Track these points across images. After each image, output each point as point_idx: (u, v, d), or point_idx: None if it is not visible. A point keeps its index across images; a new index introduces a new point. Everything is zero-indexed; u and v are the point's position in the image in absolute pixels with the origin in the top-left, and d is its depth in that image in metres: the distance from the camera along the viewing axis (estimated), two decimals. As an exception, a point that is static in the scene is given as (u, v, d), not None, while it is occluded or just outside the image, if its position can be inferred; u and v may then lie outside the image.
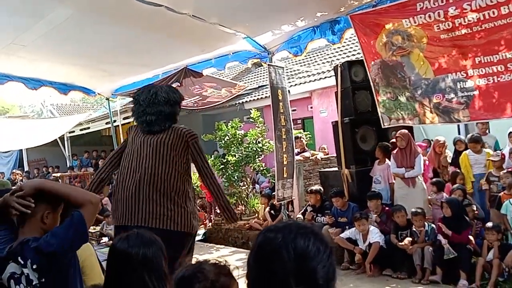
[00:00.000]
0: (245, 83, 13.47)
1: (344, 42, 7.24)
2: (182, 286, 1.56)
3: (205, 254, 6.41)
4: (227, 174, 8.29)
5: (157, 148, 3.20)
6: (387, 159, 5.95)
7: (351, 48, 11.07)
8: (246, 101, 12.31)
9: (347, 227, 5.73)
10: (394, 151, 5.82)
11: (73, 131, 14.53)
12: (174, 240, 2.95)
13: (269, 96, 6.10)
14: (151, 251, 1.79)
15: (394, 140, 5.90)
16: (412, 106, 5.01)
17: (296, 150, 7.30)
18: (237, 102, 12.35)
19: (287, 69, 7.01)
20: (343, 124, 6.16)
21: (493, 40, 4.27)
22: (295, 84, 11.48)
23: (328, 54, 12.82)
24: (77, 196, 1.90)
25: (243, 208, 8.37)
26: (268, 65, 5.98)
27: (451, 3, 4.35)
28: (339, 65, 6.43)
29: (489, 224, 4.77)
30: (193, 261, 1.72)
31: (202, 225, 8.26)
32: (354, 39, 5.38)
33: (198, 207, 3.27)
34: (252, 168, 8.51)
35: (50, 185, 1.93)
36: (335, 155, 6.80)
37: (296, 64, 12.62)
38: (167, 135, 3.23)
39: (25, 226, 1.87)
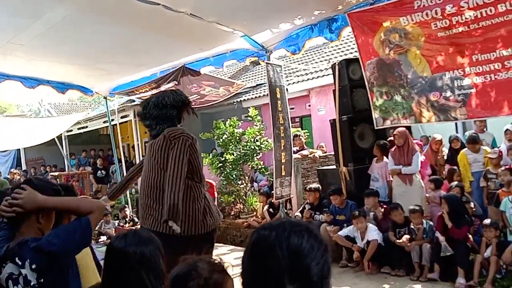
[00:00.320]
0: (243, 81, 13.46)
1: (342, 40, 7.26)
2: (176, 284, 1.58)
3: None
4: (225, 172, 8.30)
5: (151, 154, 3.27)
6: (385, 157, 5.96)
7: (349, 46, 11.08)
8: (244, 100, 12.30)
9: (345, 225, 5.75)
10: (392, 149, 5.84)
11: (71, 130, 14.51)
12: (173, 243, 2.90)
13: (267, 94, 6.10)
14: (149, 250, 1.80)
15: (392, 138, 5.91)
16: (409, 105, 5.01)
17: (295, 148, 7.32)
18: (235, 101, 12.35)
19: (285, 68, 7.01)
20: (341, 122, 6.17)
21: (490, 38, 4.28)
22: (293, 83, 11.48)
23: (326, 52, 12.84)
24: (82, 207, 1.93)
25: (242, 207, 8.38)
26: (266, 63, 5.98)
27: (448, 1, 4.36)
28: (337, 63, 6.44)
29: (487, 221, 4.78)
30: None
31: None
32: (352, 37, 5.38)
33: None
34: (250, 166, 8.52)
35: (52, 203, 1.92)
36: (333, 153, 6.81)
37: (294, 62, 12.63)
38: (159, 139, 3.24)
39: (22, 227, 1.87)
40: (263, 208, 7.53)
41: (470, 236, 4.89)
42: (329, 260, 1.05)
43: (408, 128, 5.95)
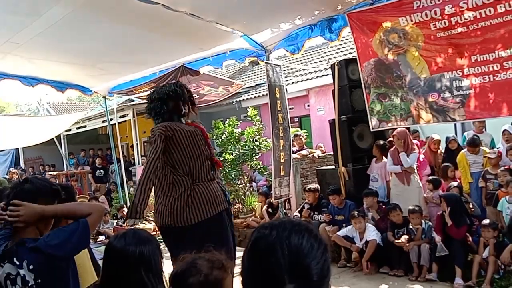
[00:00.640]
0: (242, 81, 13.47)
1: (341, 41, 7.26)
2: (176, 281, 1.59)
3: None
4: (224, 172, 8.29)
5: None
6: (384, 157, 5.97)
7: (348, 46, 11.07)
8: (243, 99, 12.30)
9: (344, 225, 5.75)
10: (391, 149, 5.84)
11: (70, 130, 14.51)
12: (173, 234, 3.30)
13: (266, 94, 6.10)
14: (148, 249, 1.80)
15: (391, 138, 5.92)
16: (406, 107, 5.01)
17: (294, 148, 7.32)
18: (234, 100, 12.34)
19: (284, 67, 7.01)
20: (340, 122, 6.17)
21: (489, 39, 4.28)
22: (292, 83, 11.48)
23: (325, 52, 12.84)
24: (80, 211, 1.94)
25: (240, 206, 8.38)
26: (266, 63, 5.98)
27: (447, 2, 4.37)
28: (336, 63, 6.44)
29: (485, 221, 4.79)
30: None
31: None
32: (351, 37, 5.37)
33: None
34: (249, 166, 8.51)
35: (51, 211, 1.92)
36: (332, 153, 6.81)
37: (293, 62, 12.63)
38: None
39: (20, 228, 1.86)
40: (262, 208, 7.53)
41: (468, 236, 4.90)
42: (328, 260, 1.05)
43: (408, 128, 5.95)
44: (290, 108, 6.62)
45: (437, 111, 4.79)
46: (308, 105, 11.47)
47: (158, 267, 1.82)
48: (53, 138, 13.35)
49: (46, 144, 13.72)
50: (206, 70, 7.30)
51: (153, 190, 3.28)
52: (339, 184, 6.14)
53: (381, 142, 6.07)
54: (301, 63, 12.85)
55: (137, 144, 12.05)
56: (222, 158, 8.32)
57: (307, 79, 11.29)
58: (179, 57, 6.67)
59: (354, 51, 5.41)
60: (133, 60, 6.61)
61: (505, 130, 6.14)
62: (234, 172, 8.27)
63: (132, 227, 2.10)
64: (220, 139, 8.39)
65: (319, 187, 6.48)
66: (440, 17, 4.46)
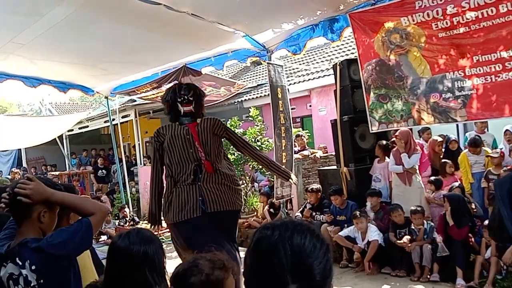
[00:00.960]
0: (244, 81, 13.47)
1: (343, 41, 7.26)
2: (178, 280, 1.59)
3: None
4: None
5: None
6: (387, 157, 5.96)
7: (350, 46, 11.07)
8: (245, 100, 12.30)
9: (346, 225, 5.75)
10: (394, 149, 5.83)
11: (72, 130, 14.53)
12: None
13: (268, 94, 6.11)
14: (152, 248, 1.81)
15: (394, 138, 5.91)
16: (407, 107, 4.99)
17: (296, 148, 7.31)
18: (236, 101, 12.35)
19: (286, 68, 7.01)
20: (342, 123, 6.17)
21: (491, 39, 4.26)
22: (294, 83, 11.48)
23: (327, 53, 12.83)
24: (86, 207, 1.92)
25: (242, 207, 8.37)
26: (268, 63, 5.98)
27: (449, 1, 4.36)
28: (338, 64, 6.44)
29: (486, 221, 4.78)
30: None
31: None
32: (353, 37, 5.37)
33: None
34: (251, 166, 8.51)
35: (58, 197, 1.91)
36: (334, 153, 6.81)
37: (295, 62, 12.63)
38: None
39: (23, 226, 1.86)
40: (263, 208, 7.53)
41: (471, 237, 4.89)
42: (331, 260, 1.06)
43: (410, 128, 5.95)
44: (292, 108, 6.61)
45: (438, 112, 4.78)
46: (310, 105, 11.47)
47: (162, 267, 1.82)
48: (55, 138, 13.37)
49: (48, 144, 13.74)
50: (207, 70, 7.29)
51: None
52: (341, 184, 6.14)
53: (384, 142, 6.06)
54: (303, 63, 12.84)
55: (139, 144, 12.05)
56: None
57: (309, 79, 11.29)
58: (181, 57, 6.67)
59: (356, 52, 5.40)
60: (135, 60, 6.62)
61: (507, 130, 6.13)
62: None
63: (135, 227, 2.10)
64: (222, 139, 8.38)
65: (320, 187, 6.48)
66: (442, 17, 4.45)
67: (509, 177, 3.73)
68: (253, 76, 14.96)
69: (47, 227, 1.92)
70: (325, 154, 8.10)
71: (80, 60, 6.36)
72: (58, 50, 5.80)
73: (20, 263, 1.76)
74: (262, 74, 13.92)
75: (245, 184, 8.55)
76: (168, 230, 8.46)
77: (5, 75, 6.62)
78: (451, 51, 4.59)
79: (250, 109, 8.77)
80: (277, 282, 0.99)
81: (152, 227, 3.73)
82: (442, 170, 6.00)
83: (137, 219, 8.97)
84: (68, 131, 14.53)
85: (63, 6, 4.42)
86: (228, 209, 3.52)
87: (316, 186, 6.51)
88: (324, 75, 10.71)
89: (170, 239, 8.08)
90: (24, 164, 16.92)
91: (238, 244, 3.76)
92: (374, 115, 5.27)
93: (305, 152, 7.79)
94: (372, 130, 5.40)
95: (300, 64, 12.62)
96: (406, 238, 5.08)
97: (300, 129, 9.55)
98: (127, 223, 8.68)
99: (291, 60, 12.36)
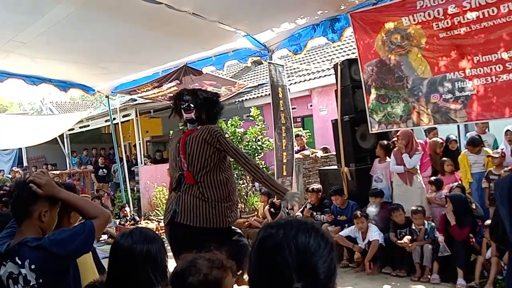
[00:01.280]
0: (244, 81, 13.46)
1: (344, 41, 7.24)
2: (176, 280, 1.60)
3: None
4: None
5: None
6: (388, 157, 5.96)
7: (351, 46, 11.06)
8: (246, 99, 12.30)
9: (346, 225, 5.75)
10: (395, 149, 5.83)
11: (73, 129, 14.53)
12: None
13: (268, 94, 6.11)
14: (154, 247, 1.81)
15: (395, 138, 5.91)
16: (407, 108, 4.98)
17: (295, 148, 7.31)
18: (237, 100, 12.34)
19: (286, 67, 7.00)
20: (342, 123, 6.17)
21: (492, 39, 4.25)
22: (295, 82, 11.48)
23: (328, 52, 12.84)
24: (90, 209, 1.94)
25: (243, 206, 8.37)
26: (268, 63, 5.98)
27: (450, 1, 4.35)
28: (339, 63, 6.44)
29: (488, 222, 4.78)
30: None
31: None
32: (354, 37, 5.37)
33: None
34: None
35: (65, 195, 1.94)
36: (334, 153, 6.80)
37: (296, 62, 12.62)
38: None
39: (23, 225, 1.87)
40: (264, 208, 7.53)
41: (472, 237, 4.88)
42: (335, 259, 1.06)
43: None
44: (292, 108, 6.61)
45: (438, 112, 4.76)
46: (311, 105, 11.47)
47: (164, 266, 1.83)
48: (56, 137, 13.37)
49: (49, 143, 13.75)
50: (208, 70, 7.29)
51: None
52: (341, 184, 6.14)
53: (385, 142, 6.06)
54: (304, 63, 12.84)
55: (140, 143, 12.05)
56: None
57: (310, 79, 11.29)
58: (181, 56, 6.67)
59: (356, 51, 5.40)
60: (136, 60, 6.62)
61: (507, 130, 6.13)
62: (236, 172, 8.27)
63: (137, 226, 2.10)
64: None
65: (321, 187, 6.48)
66: (443, 17, 4.45)
67: (509, 177, 3.72)
68: (254, 75, 14.96)
69: (47, 226, 1.92)
70: (325, 154, 8.09)
71: (81, 59, 6.36)
72: (59, 49, 5.80)
73: (20, 262, 1.76)
74: (263, 73, 13.92)
75: (246, 184, 8.56)
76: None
77: (6, 74, 6.63)
78: (451, 52, 4.58)
79: (250, 108, 8.77)
80: (281, 280, 0.99)
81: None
82: (441, 169, 6.02)
83: (137, 218, 8.97)
84: (69, 130, 14.53)
85: (64, 4, 4.43)
86: (196, 225, 3.35)
87: (317, 186, 6.51)
88: (325, 75, 10.71)
89: (171, 238, 8.05)
90: (25, 163, 16.93)
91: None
92: (374, 116, 5.26)
93: (306, 152, 7.78)
94: (371, 131, 5.40)
95: (301, 63, 12.61)
96: (406, 238, 5.08)
97: (301, 128, 9.54)
98: (128, 222, 8.68)
99: (292, 60, 12.35)
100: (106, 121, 12.71)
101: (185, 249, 3.08)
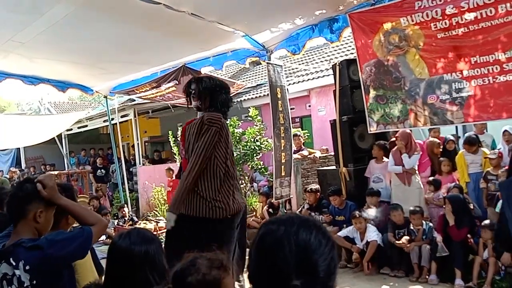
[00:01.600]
0: (243, 81, 13.46)
1: (343, 41, 7.25)
2: (176, 279, 1.60)
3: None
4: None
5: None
6: (384, 157, 5.96)
7: (350, 46, 11.07)
8: (245, 99, 12.31)
9: (344, 225, 5.75)
10: (393, 149, 5.83)
11: (71, 129, 14.51)
12: None
13: (267, 94, 6.11)
14: (152, 248, 1.81)
15: (393, 138, 5.91)
16: (404, 109, 4.98)
17: (293, 148, 7.31)
18: (236, 100, 12.32)
19: (285, 68, 7.01)
20: (341, 123, 6.17)
21: (489, 40, 4.26)
22: (293, 83, 11.48)
23: (326, 53, 12.84)
24: (88, 217, 1.97)
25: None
26: (267, 63, 5.98)
27: (448, 2, 4.36)
28: (337, 64, 6.44)
29: (484, 222, 4.79)
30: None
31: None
32: (353, 38, 5.37)
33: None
34: (250, 166, 8.52)
35: (64, 202, 1.95)
36: (333, 153, 6.81)
37: (294, 62, 12.63)
38: None
39: (18, 226, 1.86)
40: (262, 208, 7.53)
41: (470, 237, 4.89)
42: (336, 257, 1.05)
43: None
44: (291, 109, 6.61)
45: (435, 113, 4.77)
46: (309, 106, 11.47)
47: (162, 266, 1.83)
48: (54, 138, 13.35)
49: (47, 143, 13.74)
50: (207, 70, 7.29)
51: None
52: (340, 184, 6.14)
53: (382, 142, 6.07)
54: (302, 63, 12.85)
55: (138, 144, 12.04)
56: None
57: (308, 80, 11.29)
58: (180, 57, 6.67)
59: (355, 52, 5.40)
60: (134, 60, 6.61)
61: (505, 130, 6.14)
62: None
63: (134, 227, 2.11)
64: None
65: (319, 187, 6.48)
66: (441, 17, 4.45)
67: None
68: (253, 76, 14.97)
69: (43, 227, 1.92)
70: (324, 154, 8.10)
71: (80, 59, 6.35)
72: (58, 48, 5.80)
73: (14, 264, 1.75)
74: (262, 74, 13.92)
75: (244, 184, 8.56)
76: (166, 230, 8.48)
77: (4, 74, 6.61)
78: (449, 53, 4.59)
79: (249, 109, 8.77)
80: (281, 277, 0.99)
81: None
82: (438, 169, 6.03)
83: (135, 219, 8.96)
84: (67, 130, 14.52)
85: (63, 4, 4.42)
86: (186, 214, 3.25)
87: (315, 186, 6.51)
88: (324, 75, 10.72)
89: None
90: (23, 163, 16.91)
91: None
92: (373, 116, 5.27)
93: (304, 152, 7.79)
94: (370, 130, 5.41)
95: (299, 64, 12.62)
96: (405, 239, 5.08)
97: (299, 129, 9.55)
98: (126, 223, 8.67)
99: (291, 60, 12.36)
100: (104, 121, 12.70)
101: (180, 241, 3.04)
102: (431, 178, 5.84)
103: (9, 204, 1.91)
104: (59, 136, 14.23)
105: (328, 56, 12.44)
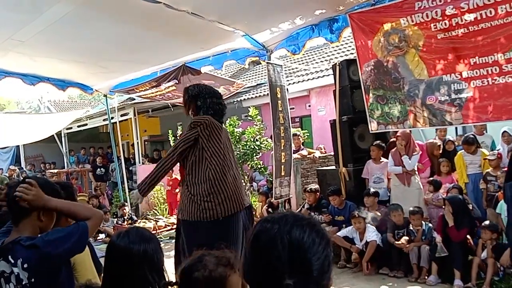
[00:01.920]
0: (243, 81, 13.47)
1: (343, 41, 7.26)
2: (184, 275, 1.62)
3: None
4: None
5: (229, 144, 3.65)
6: (382, 158, 5.97)
7: (350, 46, 11.07)
8: (244, 99, 12.30)
9: (344, 225, 5.75)
10: (393, 149, 5.83)
11: (71, 128, 14.52)
12: None
13: (267, 94, 6.11)
14: (151, 247, 1.81)
15: (393, 139, 5.91)
16: (404, 109, 4.98)
17: (292, 148, 7.31)
18: (235, 100, 12.35)
19: (285, 67, 7.01)
20: (341, 123, 6.18)
21: (489, 41, 4.25)
22: (293, 83, 11.48)
23: (326, 53, 12.84)
24: (82, 212, 1.94)
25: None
26: (267, 63, 5.98)
27: (448, 2, 4.35)
28: (337, 64, 6.44)
29: (484, 223, 4.79)
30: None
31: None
32: (352, 38, 5.37)
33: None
34: (249, 166, 8.51)
35: (55, 203, 1.92)
36: (332, 153, 6.81)
37: (294, 62, 12.62)
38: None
39: (20, 225, 1.86)
40: (262, 208, 7.53)
41: (469, 238, 4.89)
42: (330, 255, 1.04)
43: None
44: (291, 108, 6.62)
45: (434, 114, 4.76)
46: (309, 105, 11.47)
47: (161, 265, 1.83)
48: (53, 136, 13.35)
49: (47, 141, 13.74)
50: (207, 70, 7.29)
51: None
52: (339, 184, 6.14)
53: (380, 142, 6.07)
54: (302, 63, 12.84)
55: (137, 142, 12.05)
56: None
57: (308, 79, 11.29)
58: (180, 56, 6.67)
59: (355, 52, 5.40)
60: (134, 59, 6.61)
61: (504, 131, 6.14)
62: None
63: (133, 226, 2.11)
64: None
65: (319, 187, 6.48)
66: (441, 18, 4.45)
67: None
68: (252, 75, 14.97)
69: (46, 225, 1.92)
70: (324, 154, 8.10)
71: (80, 57, 6.35)
72: (58, 47, 5.80)
73: (12, 261, 1.75)
74: (261, 73, 13.92)
75: (244, 184, 8.54)
76: (165, 229, 8.46)
77: (4, 73, 6.61)
78: (449, 53, 4.57)
79: (249, 108, 8.76)
80: (274, 276, 0.98)
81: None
82: (438, 170, 6.03)
83: (135, 218, 8.97)
84: (67, 129, 14.52)
85: (63, 3, 4.42)
86: (182, 218, 3.41)
87: (315, 186, 6.51)
88: (324, 75, 10.72)
89: (168, 238, 8.07)
90: (23, 162, 16.91)
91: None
92: (373, 116, 5.27)
93: (304, 152, 7.79)
94: (371, 130, 5.41)
95: (299, 64, 12.62)
96: (404, 239, 5.08)
97: (299, 129, 9.54)
98: (125, 222, 8.67)
99: (291, 60, 12.35)
100: (104, 120, 12.70)
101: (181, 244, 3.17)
102: (431, 179, 5.84)
103: (10, 204, 1.90)
104: (59, 134, 14.23)
105: (328, 56, 12.43)
